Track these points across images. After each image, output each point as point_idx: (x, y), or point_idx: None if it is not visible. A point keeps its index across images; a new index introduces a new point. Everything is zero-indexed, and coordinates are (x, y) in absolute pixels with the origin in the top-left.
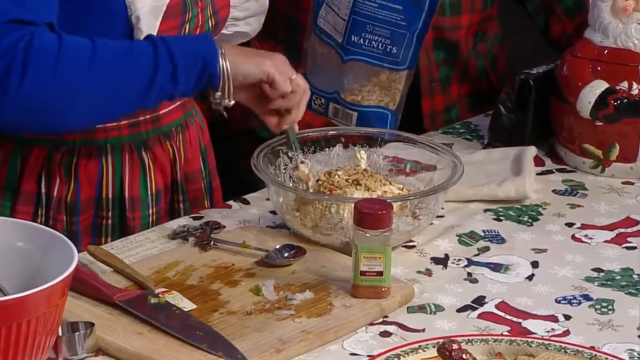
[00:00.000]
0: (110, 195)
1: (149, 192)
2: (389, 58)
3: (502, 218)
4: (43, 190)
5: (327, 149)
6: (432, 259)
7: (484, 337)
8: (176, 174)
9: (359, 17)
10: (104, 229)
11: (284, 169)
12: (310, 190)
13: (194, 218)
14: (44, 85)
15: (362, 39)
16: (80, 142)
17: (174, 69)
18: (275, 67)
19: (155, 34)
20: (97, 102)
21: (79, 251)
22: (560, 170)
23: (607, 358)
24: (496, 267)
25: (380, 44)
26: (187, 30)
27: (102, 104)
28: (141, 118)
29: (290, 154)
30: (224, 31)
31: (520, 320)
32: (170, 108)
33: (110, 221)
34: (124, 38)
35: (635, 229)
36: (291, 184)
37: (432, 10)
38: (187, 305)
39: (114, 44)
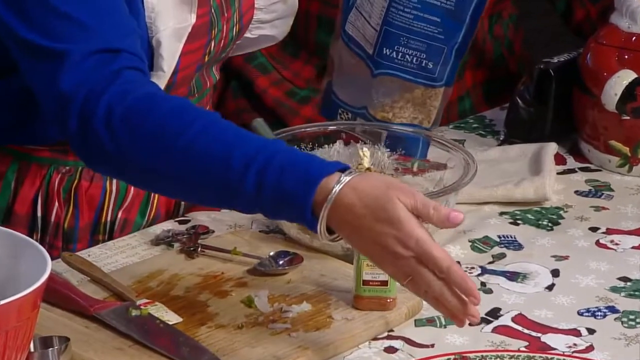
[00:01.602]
0: (108, 219)
1: (146, 219)
2: (425, 73)
3: (519, 222)
4: (39, 214)
5: (326, 145)
6: None
7: (499, 353)
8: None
9: (392, 28)
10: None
11: None
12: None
13: (180, 222)
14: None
15: (394, 52)
16: (84, 163)
17: (261, 204)
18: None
19: (177, 57)
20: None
21: None
22: (583, 169)
23: None
24: (513, 276)
25: (415, 58)
26: (212, 48)
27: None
28: None
29: None
30: (247, 35)
31: (539, 335)
32: None
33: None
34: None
35: None
36: None
37: (473, 25)
38: (172, 318)
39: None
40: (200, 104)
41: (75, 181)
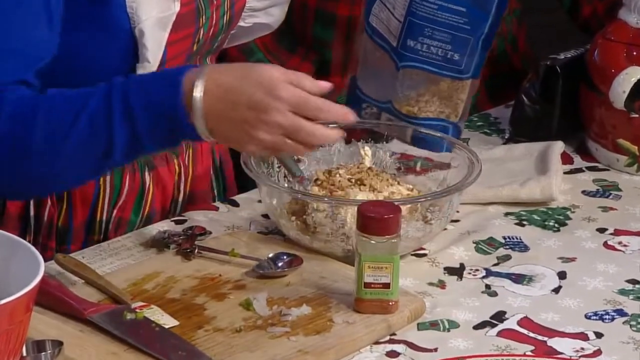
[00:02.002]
0: (104, 218)
1: (140, 216)
2: (450, 65)
3: (525, 223)
4: (31, 213)
5: (326, 144)
6: (445, 269)
7: (505, 358)
8: (177, 194)
9: (416, 19)
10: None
11: (278, 167)
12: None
13: (176, 222)
14: None
15: (419, 44)
16: None
17: (134, 132)
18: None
19: (163, 47)
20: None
21: None
22: (590, 169)
23: None
24: (518, 279)
25: (440, 50)
26: (200, 36)
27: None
28: None
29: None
30: (241, 23)
31: (545, 339)
32: None
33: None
34: (128, 54)
35: None
36: (286, 184)
37: (499, 13)
38: (168, 321)
39: (61, 109)
40: None
41: None
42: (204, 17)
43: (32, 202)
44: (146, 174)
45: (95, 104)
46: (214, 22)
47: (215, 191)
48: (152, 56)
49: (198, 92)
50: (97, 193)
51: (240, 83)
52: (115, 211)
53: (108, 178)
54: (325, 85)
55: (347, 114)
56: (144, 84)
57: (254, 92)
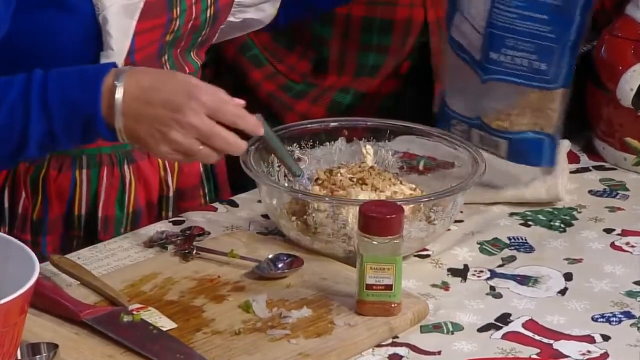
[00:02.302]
0: (83, 213)
1: (126, 211)
2: (538, 76)
3: (530, 223)
4: (6, 205)
5: (327, 143)
6: (449, 270)
7: None
8: (166, 190)
9: (497, 30)
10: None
11: (278, 166)
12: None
13: (174, 223)
14: None
15: (502, 56)
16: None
17: (50, 128)
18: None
19: (130, 35)
20: None
21: None
22: (597, 168)
23: None
24: (523, 280)
25: (525, 61)
26: (176, 27)
27: None
28: None
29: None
30: (231, 19)
31: (551, 342)
32: None
33: (81, 242)
34: (91, 40)
35: None
36: (286, 184)
37: (584, 17)
38: (165, 324)
39: None
40: None
41: (43, 170)
42: (178, 8)
43: (6, 194)
44: (125, 167)
45: (14, 96)
46: (193, 15)
47: (206, 188)
48: (117, 44)
49: (119, 93)
50: (74, 187)
51: (160, 84)
52: (100, 211)
53: (84, 171)
54: (240, 102)
55: (259, 126)
56: (63, 82)
57: (172, 91)
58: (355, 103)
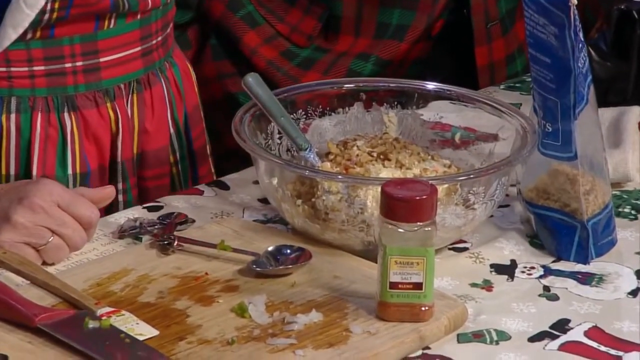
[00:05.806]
0: (12, 172)
1: (70, 172)
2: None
3: None
4: None
5: (341, 109)
6: (492, 266)
7: None
8: (122, 152)
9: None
10: None
11: (279, 137)
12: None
13: (149, 209)
14: None
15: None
16: None
17: None
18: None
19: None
20: None
21: None
22: None
23: None
24: (585, 279)
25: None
26: None
27: None
28: (68, 65)
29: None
30: None
31: (620, 353)
32: (119, 55)
33: None
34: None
35: None
36: (290, 159)
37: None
38: (144, 331)
39: None
40: (148, 30)
41: None
42: None
43: None
44: (65, 115)
45: None
46: None
47: (178, 154)
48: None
49: None
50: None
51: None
52: (34, 165)
53: (13, 117)
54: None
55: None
56: None
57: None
58: (377, 73)
